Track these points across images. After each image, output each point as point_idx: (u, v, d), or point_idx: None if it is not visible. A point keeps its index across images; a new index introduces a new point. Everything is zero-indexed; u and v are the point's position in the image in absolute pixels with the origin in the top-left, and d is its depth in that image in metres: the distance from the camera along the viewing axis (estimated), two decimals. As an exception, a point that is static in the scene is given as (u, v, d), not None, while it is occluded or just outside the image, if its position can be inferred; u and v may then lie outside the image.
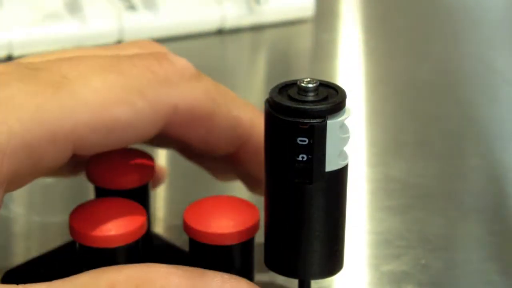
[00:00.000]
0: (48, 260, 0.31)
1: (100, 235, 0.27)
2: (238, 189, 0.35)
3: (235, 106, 0.30)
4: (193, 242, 0.28)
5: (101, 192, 0.31)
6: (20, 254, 0.35)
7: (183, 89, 0.29)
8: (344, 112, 0.26)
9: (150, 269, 0.24)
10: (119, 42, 0.53)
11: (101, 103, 0.27)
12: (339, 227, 0.27)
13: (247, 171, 0.32)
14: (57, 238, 0.34)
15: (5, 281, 0.30)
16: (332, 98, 0.25)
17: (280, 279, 0.31)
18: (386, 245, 0.35)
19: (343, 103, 0.25)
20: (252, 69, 0.57)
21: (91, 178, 0.31)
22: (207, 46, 0.55)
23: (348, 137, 0.26)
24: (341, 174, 0.26)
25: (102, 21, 0.53)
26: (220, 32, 0.57)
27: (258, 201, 0.29)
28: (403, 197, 0.39)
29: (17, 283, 0.24)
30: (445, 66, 0.55)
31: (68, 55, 0.29)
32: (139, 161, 0.31)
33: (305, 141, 0.25)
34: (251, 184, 0.33)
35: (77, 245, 0.28)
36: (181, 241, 0.32)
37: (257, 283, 0.27)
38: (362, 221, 0.37)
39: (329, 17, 0.62)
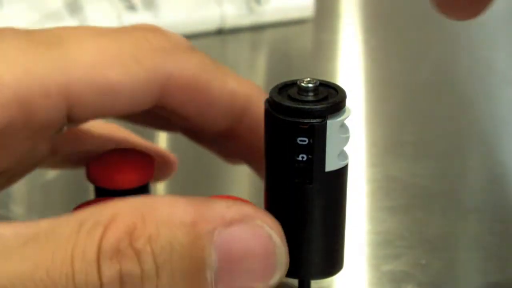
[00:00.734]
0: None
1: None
2: (238, 189, 0.34)
3: (232, 79, 0.30)
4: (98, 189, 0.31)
5: (101, 192, 0.31)
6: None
7: (178, 59, 0.29)
8: (344, 112, 0.26)
9: (155, 199, 0.24)
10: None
11: (93, 63, 0.27)
12: (339, 227, 0.27)
13: (248, 149, 0.32)
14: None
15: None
16: (332, 98, 0.25)
17: (280, 279, 0.31)
18: (386, 245, 0.35)
19: (343, 103, 0.25)
20: (252, 69, 0.57)
21: (91, 178, 0.31)
22: (207, 46, 0.55)
23: (348, 137, 0.26)
24: (341, 174, 0.26)
25: (102, 21, 0.53)
26: (220, 32, 0.57)
27: (258, 201, 0.29)
28: (403, 197, 0.39)
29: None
30: (445, 66, 0.55)
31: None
32: (139, 161, 0.31)
33: (305, 141, 0.25)
34: (255, 165, 0.33)
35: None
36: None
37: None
38: (362, 221, 0.37)
39: (329, 17, 0.62)
